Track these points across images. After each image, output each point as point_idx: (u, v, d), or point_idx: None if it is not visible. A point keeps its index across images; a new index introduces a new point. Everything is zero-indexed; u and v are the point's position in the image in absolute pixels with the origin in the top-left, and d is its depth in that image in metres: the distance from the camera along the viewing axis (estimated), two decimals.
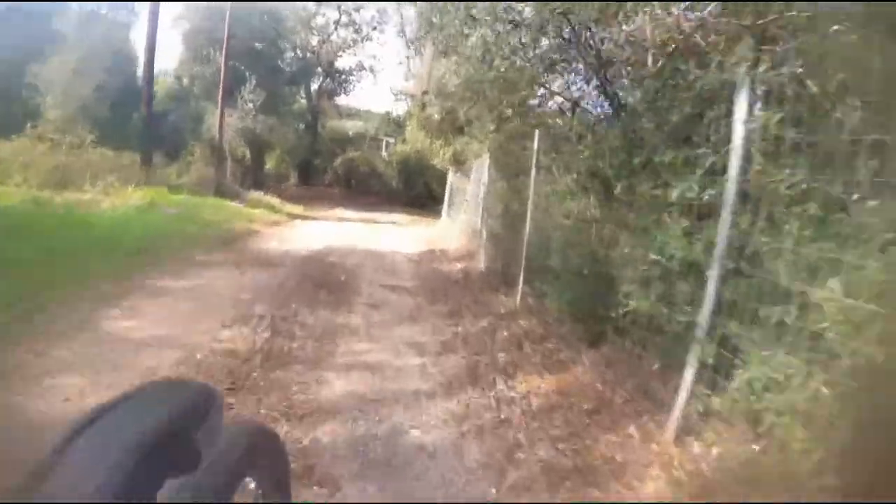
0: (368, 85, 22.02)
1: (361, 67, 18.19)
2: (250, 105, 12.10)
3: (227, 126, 11.47)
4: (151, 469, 0.36)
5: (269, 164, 18.46)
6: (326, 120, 20.25)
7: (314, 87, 19.53)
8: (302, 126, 19.00)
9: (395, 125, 19.00)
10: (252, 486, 0.54)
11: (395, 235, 9.45)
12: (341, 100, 20.54)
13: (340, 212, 12.94)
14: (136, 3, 14.00)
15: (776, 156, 1.86)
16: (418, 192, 15.92)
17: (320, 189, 17.99)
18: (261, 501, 0.56)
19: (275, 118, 13.82)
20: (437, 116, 15.43)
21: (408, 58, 17.14)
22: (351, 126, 20.72)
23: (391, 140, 18.91)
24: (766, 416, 1.72)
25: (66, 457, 0.35)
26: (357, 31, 18.34)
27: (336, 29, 18.25)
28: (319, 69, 18.67)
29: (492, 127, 6.01)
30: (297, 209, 12.17)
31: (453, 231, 9.13)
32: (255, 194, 11.97)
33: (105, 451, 0.35)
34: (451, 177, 11.52)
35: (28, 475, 0.33)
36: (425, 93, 15.60)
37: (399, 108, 19.36)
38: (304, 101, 19.44)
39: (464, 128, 15.48)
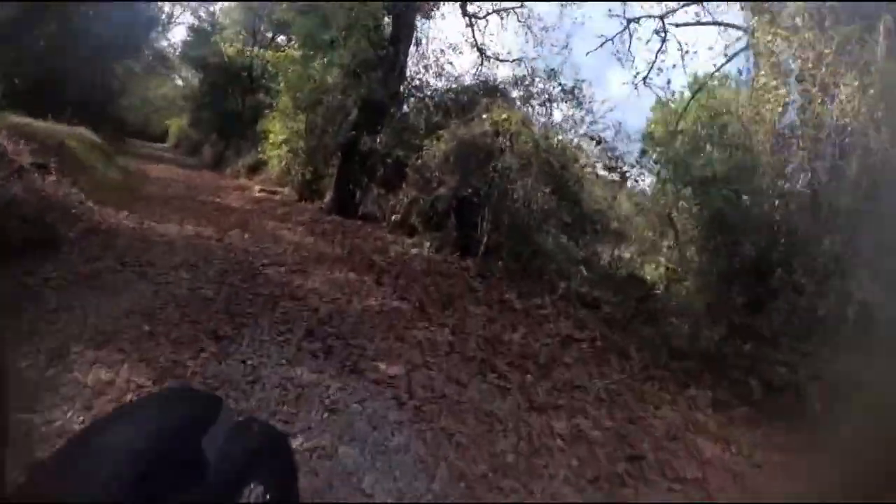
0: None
1: None
2: None
3: None
4: (158, 478, 0.36)
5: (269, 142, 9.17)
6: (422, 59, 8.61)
7: None
8: (376, 73, 7.74)
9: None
10: (259, 489, 0.53)
11: None
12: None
13: None
14: None
15: None
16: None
17: (366, 233, 6.52)
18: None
19: None
20: None
21: None
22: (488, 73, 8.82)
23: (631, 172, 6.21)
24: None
25: (72, 467, 0.34)
26: None
27: None
28: None
29: None
30: None
31: None
32: None
33: (112, 462, 0.34)
34: None
35: (36, 479, 0.34)
36: None
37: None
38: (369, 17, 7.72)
39: None
